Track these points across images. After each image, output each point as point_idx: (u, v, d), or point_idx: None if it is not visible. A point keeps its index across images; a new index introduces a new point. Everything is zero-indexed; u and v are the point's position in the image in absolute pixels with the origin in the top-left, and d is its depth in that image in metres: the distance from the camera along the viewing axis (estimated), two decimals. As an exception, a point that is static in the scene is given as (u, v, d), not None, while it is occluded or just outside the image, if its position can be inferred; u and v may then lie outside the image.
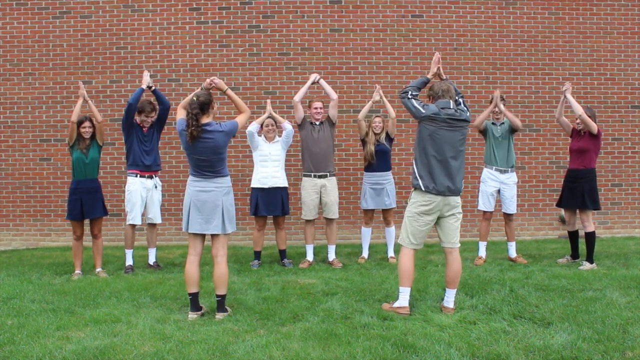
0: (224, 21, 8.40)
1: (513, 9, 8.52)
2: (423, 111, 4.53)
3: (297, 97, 6.65)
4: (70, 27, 8.39)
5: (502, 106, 6.57)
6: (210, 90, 4.67)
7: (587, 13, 8.58)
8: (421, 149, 4.57)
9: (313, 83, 6.71)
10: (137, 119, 6.48)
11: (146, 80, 6.31)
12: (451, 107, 4.56)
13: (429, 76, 4.84)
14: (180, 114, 4.61)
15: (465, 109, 4.69)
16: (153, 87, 6.45)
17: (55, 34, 8.39)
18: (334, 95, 6.72)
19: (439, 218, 4.63)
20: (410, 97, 4.61)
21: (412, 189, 4.67)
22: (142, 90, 6.31)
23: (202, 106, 4.40)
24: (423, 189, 4.53)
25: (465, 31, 8.49)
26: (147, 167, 6.45)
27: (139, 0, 8.37)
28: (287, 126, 6.65)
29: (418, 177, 4.56)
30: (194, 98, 4.41)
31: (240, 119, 4.66)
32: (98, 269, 6.29)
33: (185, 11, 8.39)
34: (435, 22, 8.47)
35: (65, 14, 8.38)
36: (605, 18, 8.59)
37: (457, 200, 4.65)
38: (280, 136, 6.76)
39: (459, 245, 4.71)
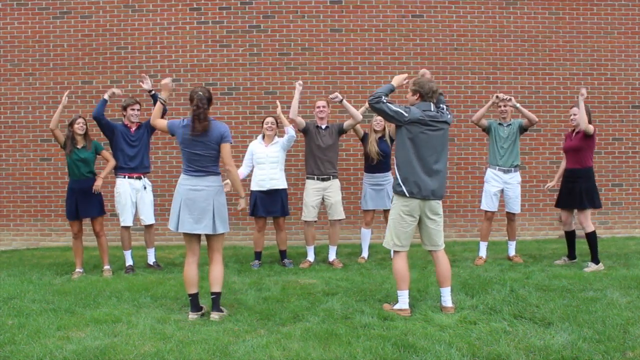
0: (225, 21, 8.41)
1: (513, 9, 8.52)
2: (406, 115, 4.43)
3: (293, 114, 6.50)
4: (71, 27, 8.40)
5: (517, 104, 6.48)
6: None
7: (587, 13, 8.58)
8: (404, 153, 4.49)
9: (338, 101, 6.41)
10: (124, 119, 6.48)
11: (110, 92, 6.31)
12: (432, 109, 4.52)
13: (394, 84, 4.69)
14: (161, 122, 4.64)
15: (447, 111, 4.64)
16: (153, 92, 6.42)
17: (55, 34, 8.40)
18: (359, 117, 6.49)
19: (421, 221, 4.59)
20: (385, 101, 4.47)
21: (393, 193, 4.63)
22: (105, 101, 6.30)
23: (209, 102, 4.46)
24: (407, 195, 4.47)
25: (465, 31, 8.49)
26: (133, 169, 6.43)
27: (139, 1, 8.38)
28: (290, 131, 6.53)
29: (402, 183, 4.49)
30: (200, 93, 4.41)
31: (228, 151, 4.54)
32: (105, 267, 6.30)
33: (186, 11, 8.40)
34: (435, 22, 8.47)
35: (66, 14, 8.39)
36: (606, 18, 8.59)
37: (439, 202, 4.61)
38: (280, 137, 6.74)
39: (443, 246, 4.69)
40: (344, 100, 6.48)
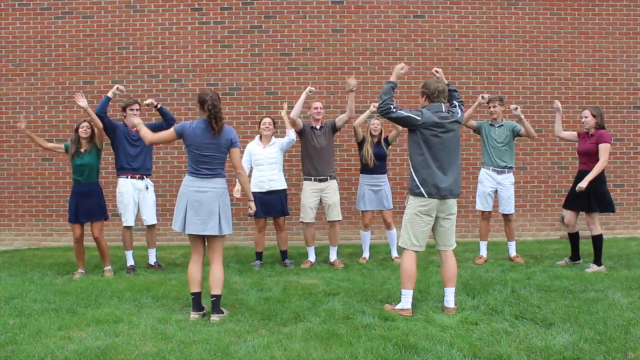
0: (226, 21, 8.41)
1: (515, 10, 8.52)
2: (419, 119, 4.45)
3: (294, 114, 6.49)
4: (72, 27, 8.41)
5: (522, 115, 6.49)
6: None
7: (589, 13, 8.58)
8: (419, 155, 4.51)
9: (350, 89, 6.46)
10: (125, 119, 6.48)
11: (114, 89, 6.29)
12: (443, 109, 4.53)
13: (394, 80, 4.67)
14: (164, 134, 4.63)
15: (459, 110, 4.66)
16: (159, 106, 6.38)
17: (57, 34, 8.41)
18: (352, 112, 6.56)
19: (436, 219, 4.60)
20: (394, 109, 4.50)
21: (409, 194, 4.63)
22: (108, 99, 6.27)
23: (220, 101, 4.50)
24: (426, 195, 4.48)
25: (467, 31, 8.49)
26: (135, 169, 6.44)
27: (140, 1, 8.39)
28: (292, 134, 6.54)
29: (420, 185, 4.50)
30: (212, 94, 4.45)
31: (238, 155, 4.64)
32: (106, 267, 6.32)
33: (187, 11, 8.41)
34: (437, 22, 8.47)
35: (67, 14, 8.40)
36: (607, 18, 8.59)
37: (454, 201, 4.64)
38: (277, 137, 6.73)
39: (454, 246, 4.70)
40: (353, 93, 6.48)
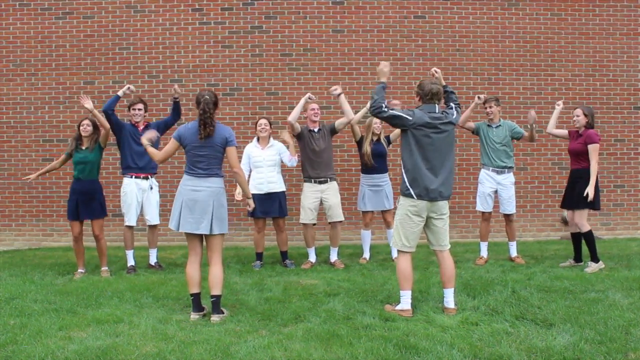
0: (227, 22, 8.42)
1: (515, 10, 8.52)
2: (411, 119, 4.45)
3: (292, 118, 6.46)
4: (73, 27, 8.42)
5: (535, 125, 6.51)
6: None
7: (589, 14, 8.58)
8: (410, 156, 4.51)
9: (336, 94, 6.50)
10: (131, 118, 6.48)
11: (125, 88, 6.32)
12: (437, 110, 4.52)
13: (383, 80, 4.66)
14: (169, 147, 4.61)
15: (455, 112, 4.65)
16: (179, 99, 6.45)
17: (58, 34, 8.41)
18: (351, 115, 6.54)
19: (428, 220, 4.60)
20: (386, 109, 4.51)
21: (400, 195, 4.63)
22: (117, 98, 6.29)
23: (215, 106, 4.49)
24: (415, 197, 4.48)
25: (467, 32, 8.49)
26: (140, 168, 6.43)
27: (141, 1, 8.39)
28: (294, 162, 6.59)
29: (409, 187, 4.50)
30: (207, 97, 4.44)
31: (234, 154, 4.59)
32: (103, 268, 6.31)
33: (188, 12, 8.41)
34: (437, 23, 8.48)
35: (68, 14, 8.40)
36: (608, 19, 8.59)
37: (445, 202, 4.62)
38: (274, 139, 6.75)
39: (449, 246, 4.69)
40: (342, 96, 6.49)
